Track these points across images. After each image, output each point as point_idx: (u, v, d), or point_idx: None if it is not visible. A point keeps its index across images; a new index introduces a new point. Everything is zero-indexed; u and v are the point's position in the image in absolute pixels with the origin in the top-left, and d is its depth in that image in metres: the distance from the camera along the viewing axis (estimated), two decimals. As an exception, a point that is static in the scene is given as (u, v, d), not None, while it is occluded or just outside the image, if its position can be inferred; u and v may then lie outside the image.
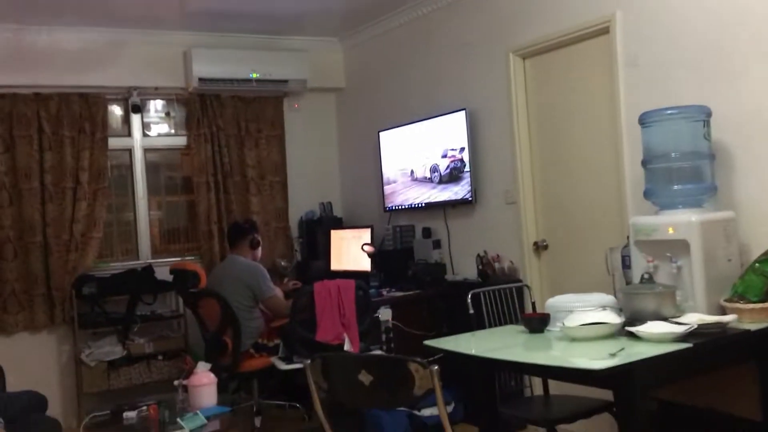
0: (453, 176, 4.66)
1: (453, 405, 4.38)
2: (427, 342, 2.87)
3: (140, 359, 4.98)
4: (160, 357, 5.05)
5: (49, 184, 4.90)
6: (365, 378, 2.13)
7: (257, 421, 4.54)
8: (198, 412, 3.20)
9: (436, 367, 2.03)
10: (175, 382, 3.52)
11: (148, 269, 5.17)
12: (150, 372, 4.99)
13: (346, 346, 3.88)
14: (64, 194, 4.94)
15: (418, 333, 4.46)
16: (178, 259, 5.39)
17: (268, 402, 4.85)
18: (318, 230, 5.63)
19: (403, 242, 5.10)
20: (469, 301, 3.31)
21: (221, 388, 4.73)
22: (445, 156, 4.71)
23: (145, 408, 3.40)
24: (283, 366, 4.04)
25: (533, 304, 3.56)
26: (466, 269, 4.63)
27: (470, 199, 4.52)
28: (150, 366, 5.00)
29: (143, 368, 4.98)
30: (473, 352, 2.74)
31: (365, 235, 5.13)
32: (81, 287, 4.88)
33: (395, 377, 2.10)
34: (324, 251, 5.55)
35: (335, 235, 5.50)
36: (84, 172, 5.00)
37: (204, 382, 3.42)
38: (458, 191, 4.61)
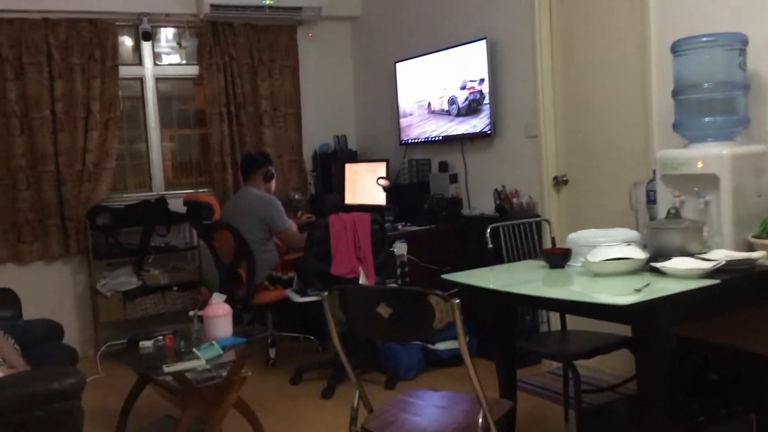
0: (471, 109, 4.53)
1: (468, 339, 4.38)
2: (445, 276, 2.82)
3: (155, 290, 5.00)
4: (174, 288, 5.06)
5: (60, 113, 4.82)
6: (384, 311, 2.09)
7: (272, 353, 4.57)
8: (214, 342, 3.20)
9: (457, 301, 1.98)
10: (191, 313, 3.52)
11: (162, 201, 5.13)
12: (165, 303, 5.02)
13: (361, 280, 3.85)
14: (75, 124, 4.87)
15: (434, 268, 4.43)
16: (192, 191, 5.34)
17: (282, 334, 4.88)
18: (332, 163, 5.55)
19: (418, 176, 5.02)
20: (487, 235, 3.24)
21: (235, 320, 4.77)
22: (463, 88, 4.57)
23: (161, 338, 3.41)
24: (298, 298, 4.03)
25: (553, 239, 3.50)
26: (483, 204, 4.56)
27: (489, 132, 4.41)
28: (165, 297, 5.02)
29: (158, 299, 5.00)
30: (491, 286, 2.69)
31: (380, 168, 5.05)
32: (95, 218, 4.86)
33: (415, 310, 2.06)
34: (338, 185, 5.48)
35: (349, 168, 5.42)
36: (95, 101, 4.91)
37: (219, 313, 3.41)
38: (477, 124, 4.50)
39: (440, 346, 4.28)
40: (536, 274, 2.82)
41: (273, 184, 4.74)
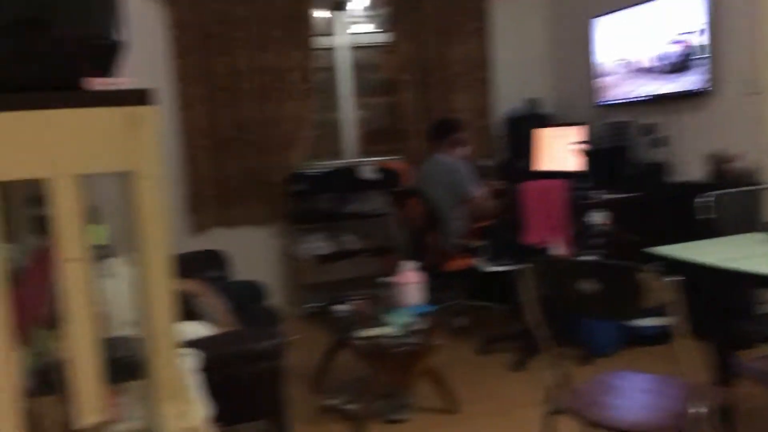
0: (683, 65, 4.11)
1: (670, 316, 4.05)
2: (652, 249, 2.57)
3: (348, 255, 5.15)
4: (366, 253, 5.18)
5: (261, 85, 5.06)
6: (587, 286, 1.93)
7: (460, 321, 4.54)
8: (405, 309, 3.21)
9: (676, 278, 1.78)
10: (383, 279, 3.56)
11: (354, 169, 5.25)
12: (357, 267, 5.16)
13: (555, 250, 3.67)
14: (275, 95, 5.10)
15: (636, 239, 4.12)
16: (382, 159, 5.41)
17: (470, 302, 4.83)
18: (523, 128, 5.34)
19: (617, 140, 4.68)
20: (699, 205, 2.91)
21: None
22: (676, 42, 4.15)
23: (355, 301, 3.50)
24: (488, 267, 3.94)
25: None
26: (692, 170, 4.15)
27: (704, 89, 3.98)
28: (357, 262, 5.16)
29: (351, 263, 5.15)
30: (710, 261, 2.41)
31: (574, 132, 4.77)
32: (293, 185, 5.08)
33: (622, 287, 1.89)
34: (529, 150, 5.27)
35: (541, 133, 5.19)
36: (293, 72, 5.10)
37: (411, 280, 3.41)
38: (688, 81, 4.08)
39: (642, 321, 3.99)
40: (759, 249, 2.50)
41: (462, 150, 4.66)
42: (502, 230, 3.93)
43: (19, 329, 0.96)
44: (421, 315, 3.27)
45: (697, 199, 3.00)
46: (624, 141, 4.64)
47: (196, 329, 2.55)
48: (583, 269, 1.94)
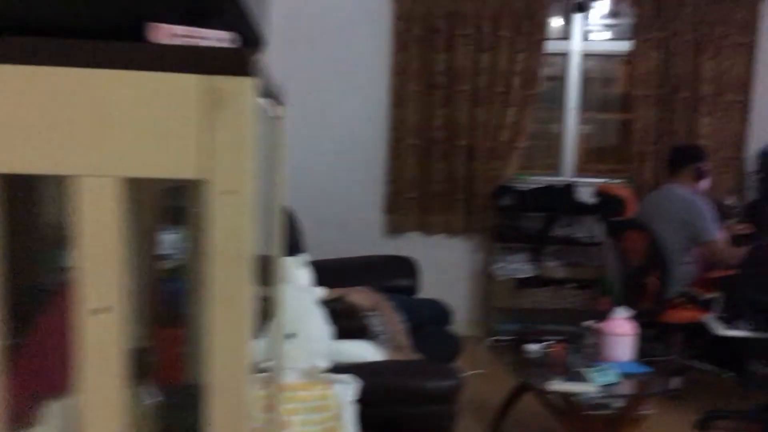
0: None
1: None
2: None
3: (550, 282, 4.64)
4: (571, 284, 4.63)
5: (481, 87, 4.71)
6: None
7: (675, 382, 3.84)
8: (611, 365, 2.68)
9: None
10: (586, 324, 3.04)
11: (569, 187, 4.71)
12: (558, 298, 4.63)
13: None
14: (493, 99, 4.71)
15: None
16: (603, 180, 4.81)
17: (691, 362, 4.09)
18: (784, 165, 4.45)
19: None
20: None
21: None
22: None
23: (551, 343, 3.02)
24: (721, 329, 3.24)
25: None
26: None
27: None
28: (559, 292, 4.63)
29: (552, 292, 4.63)
30: None
31: None
32: (499, 198, 4.67)
33: None
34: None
35: (809, 174, 4.27)
36: (516, 77, 4.68)
37: (622, 332, 2.87)
38: None
39: None
40: None
41: (704, 184, 3.95)
42: (744, 285, 3.21)
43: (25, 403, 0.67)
44: (629, 375, 2.72)
45: None
46: None
47: (363, 350, 2.25)
48: None
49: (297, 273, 2.42)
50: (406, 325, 2.77)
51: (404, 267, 3.88)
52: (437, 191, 4.81)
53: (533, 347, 3.01)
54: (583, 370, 2.66)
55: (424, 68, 4.71)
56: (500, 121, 4.71)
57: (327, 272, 3.68)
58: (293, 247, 3.27)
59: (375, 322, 2.46)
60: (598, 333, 2.93)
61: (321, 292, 2.44)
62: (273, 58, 4.73)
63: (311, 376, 1.93)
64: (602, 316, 2.99)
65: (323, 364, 1.97)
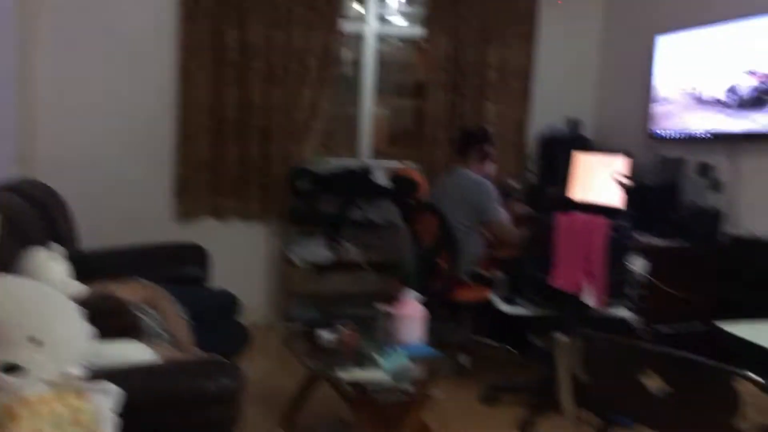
0: (756, 101, 3.53)
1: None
2: (723, 324, 2.01)
3: (348, 266, 4.61)
4: (368, 268, 4.64)
5: (274, 65, 4.53)
6: (653, 383, 1.38)
7: (463, 359, 3.98)
8: (401, 349, 2.66)
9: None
10: (378, 307, 3.00)
11: (366, 171, 4.70)
12: (356, 281, 4.62)
13: (587, 299, 3.10)
14: (288, 78, 4.56)
15: (680, 296, 3.56)
16: (398, 162, 4.87)
17: (478, 338, 4.26)
18: (560, 150, 4.77)
19: (668, 178, 4.10)
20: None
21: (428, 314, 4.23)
22: (752, 73, 3.57)
23: (344, 330, 2.95)
24: (505, 307, 3.37)
25: None
26: (757, 223, 3.56)
27: (780, 132, 3.39)
28: (357, 275, 4.62)
29: (351, 276, 4.61)
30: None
31: (619, 162, 4.19)
32: (296, 180, 4.54)
33: (708, 394, 1.33)
34: (563, 176, 4.70)
35: (580, 158, 4.61)
36: (312, 56, 4.56)
37: (411, 314, 2.86)
38: (760, 121, 3.49)
39: None
40: None
41: (490, 166, 4.11)
42: (525, 265, 3.36)
43: None
44: (420, 359, 2.72)
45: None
46: (675, 180, 4.06)
47: (131, 351, 2.01)
48: (647, 358, 1.39)
49: (49, 267, 2.11)
50: (186, 320, 2.55)
51: (193, 255, 3.62)
52: (231, 174, 4.57)
53: (326, 334, 2.93)
54: (373, 355, 2.61)
55: (214, 43, 4.43)
56: (296, 101, 4.57)
57: (104, 262, 3.33)
58: (59, 238, 2.89)
59: (147, 318, 2.22)
60: (390, 316, 2.91)
61: (78, 287, 2.15)
62: (43, 31, 4.20)
63: (62, 386, 1.67)
64: (394, 299, 2.97)
65: (77, 371, 1.71)
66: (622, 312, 3.29)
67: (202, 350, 2.42)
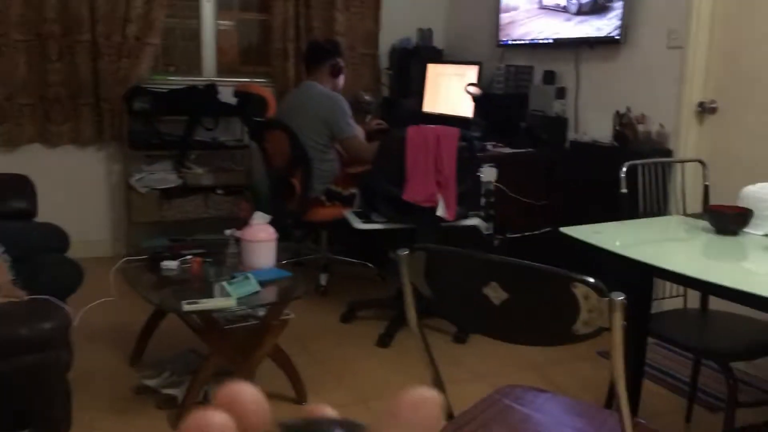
0: (597, 6, 3.58)
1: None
2: (564, 229, 2.03)
3: (197, 191, 4.36)
4: (219, 191, 4.42)
5: (99, -27, 4.07)
6: (495, 294, 1.34)
7: (323, 279, 3.93)
8: (250, 275, 2.53)
9: (621, 298, 1.22)
10: (227, 232, 2.84)
11: (211, 88, 4.40)
12: (207, 206, 4.39)
13: (439, 211, 3.09)
14: (116, -13, 4.12)
15: (527, 201, 3.65)
16: (246, 80, 4.61)
17: (337, 257, 4.22)
18: (412, 62, 4.70)
19: (516, 86, 4.14)
20: (622, 176, 2.40)
21: (285, 236, 4.12)
22: (591, -23, 3.61)
23: (188, 258, 2.78)
24: (359, 224, 3.31)
25: (706, 188, 2.62)
26: (596, 129, 3.69)
27: (617, 37, 3.47)
28: (207, 200, 4.39)
29: (199, 201, 4.37)
30: (636, 257, 1.89)
31: (470, 73, 4.18)
32: (133, 100, 4.18)
33: (548, 302, 1.31)
34: (417, 88, 4.65)
35: (433, 70, 4.56)
36: (141, -38, 4.13)
37: (261, 238, 2.73)
38: (602, 26, 3.56)
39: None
40: (694, 239, 2.03)
41: (341, 80, 3.96)
42: (379, 180, 3.30)
43: None
44: (271, 283, 2.61)
45: (623, 169, 2.48)
46: (523, 88, 4.11)
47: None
48: (489, 270, 1.35)
49: None
50: (5, 258, 2.28)
51: (15, 186, 3.25)
52: (58, 95, 4.13)
53: (170, 264, 2.74)
54: (222, 283, 2.47)
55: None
56: (126, 13, 4.14)
57: None
58: None
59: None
60: (239, 241, 2.76)
61: None
62: None
63: None
64: (244, 222, 2.82)
65: None
66: (475, 221, 3.33)
67: (29, 292, 2.17)
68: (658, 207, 2.53)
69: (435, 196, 3.06)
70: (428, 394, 0.27)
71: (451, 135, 3.07)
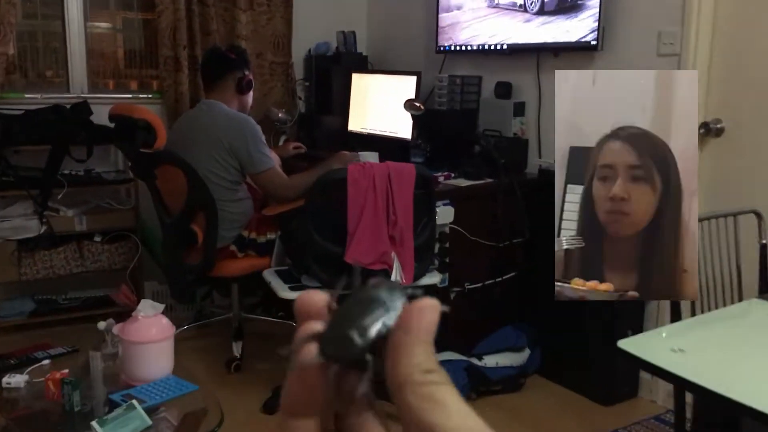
0: (567, 5, 2.94)
1: (527, 351, 2.99)
2: (624, 343, 1.34)
3: (67, 239, 3.43)
4: (97, 238, 3.49)
5: None
6: None
7: (236, 348, 3.10)
8: (135, 402, 1.70)
9: None
10: (101, 325, 2.00)
11: (82, 108, 3.48)
12: (82, 258, 3.46)
13: (394, 275, 2.33)
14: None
15: (487, 243, 2.97)
16: (128, 97, 3.71)
17: (252, 317, 3.40)
18: (333, 72, 3.92)
19: (462, 101, 3.45)
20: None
21: (187, 294, 3.28)
22: (560, -32, 2.96)
23: (44, 365, 1.92)
24: (287, 292, 2.50)
25: (763, 248, 1.97)
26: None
27: (593, 42, 2.84)
28: (82, 250, 3.46)
29: (71, 253, 3.43)
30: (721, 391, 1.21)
31: (404, 84, 3.46)
32: (-24, 128, 3.19)
33: None
34: (340, 102, 3.88)
35: (358, 80, 3.81)
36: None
37: (152, 338, 1.89)
38: (572, 29, 2.92)
39: (489, 361, 2.89)
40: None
41: (250, 97, 3.17)
42: (308, 232, 2.49)
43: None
44: (171, 404, 1.79)
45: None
46: (471, 103, 3.43)
47: None
48: None
49: None
50: None
51: None
52: None
53: (15, 380, 1.87)
54: (93, 423, 1.63)
55: None
56: (-40, 13, 3.16)
57: None
58: None
59: None
60: (119, 341, 1.92)
61: None
62: None
63: None
64: (126, 313, 1.98)
65: None
66: (433, 278, 2.61)
67: None
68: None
69: (388, 256, 2.30)
70: (430, 302, 0.34)
71: (406, 173, 2.32)
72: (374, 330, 0.34)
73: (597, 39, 2.81)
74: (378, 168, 2.28)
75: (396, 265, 2.31)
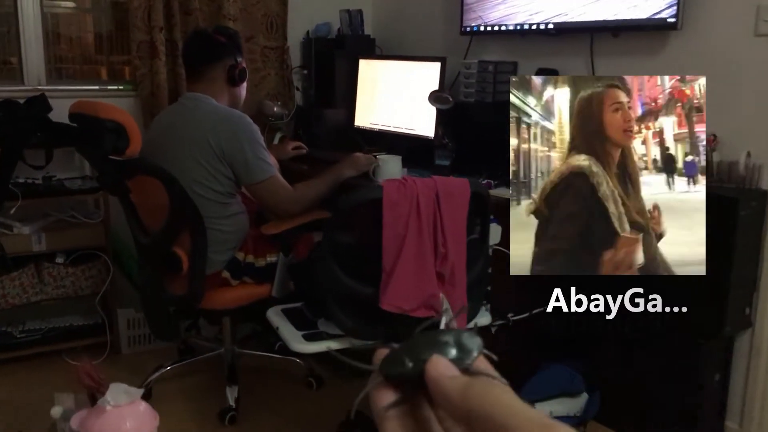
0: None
1: (585, 395, 2.49)
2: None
3: (23, 261, 2.85)
4: (59, 259, 2.92)
5: None
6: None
7: (230, 394, 2.56)
8: None
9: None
10: (54, 413, 1.44)
11: (39, 103, 2.88)
12: (42, 284, 2.89)
13: (444, 322, 1.80)
14: None
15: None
16: (95, 89, 3.14)
17: (246, 352, 2.85)
18: (336, 57, 3.36)
19: (495, 92, 2.91)
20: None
21: (169, 330, 2.74)
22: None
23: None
24: (303, 346, 1.94)
25: None
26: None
27: (671, 20, 2.31)
28: (42, 274, 2.89)
29: (29, 278, 2.86)
30: None
31: (424, 72, 2.92)
32: None
33: None
34: (346, 93, 3.33)
35: (366, 67, 3.25)
36: None
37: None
38: (641, 2, 2.39)
39: (541, 410, 2.39)
40: None
41: (243, 90, 2.60)
42: (332, 270, 1.94)
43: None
44: None
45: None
46: (505, 94, 2.88)
47: None
48: None
49: None
50: None
51: None
52: None
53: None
54: None
55: None
56: None
57: None
58: None
59: None
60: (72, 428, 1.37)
61: None
62: None
63: None
64: (91, 398, 1.42)
65: None
66: (485, 319, 2.08)
67: None
68: None
69: (436, 299, 1.76)
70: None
71: (458, 192, 1.78)
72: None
73: (676, 15, 2.28)
74: (422, 185, 1.73)
75: (446, 309, 1.76)
